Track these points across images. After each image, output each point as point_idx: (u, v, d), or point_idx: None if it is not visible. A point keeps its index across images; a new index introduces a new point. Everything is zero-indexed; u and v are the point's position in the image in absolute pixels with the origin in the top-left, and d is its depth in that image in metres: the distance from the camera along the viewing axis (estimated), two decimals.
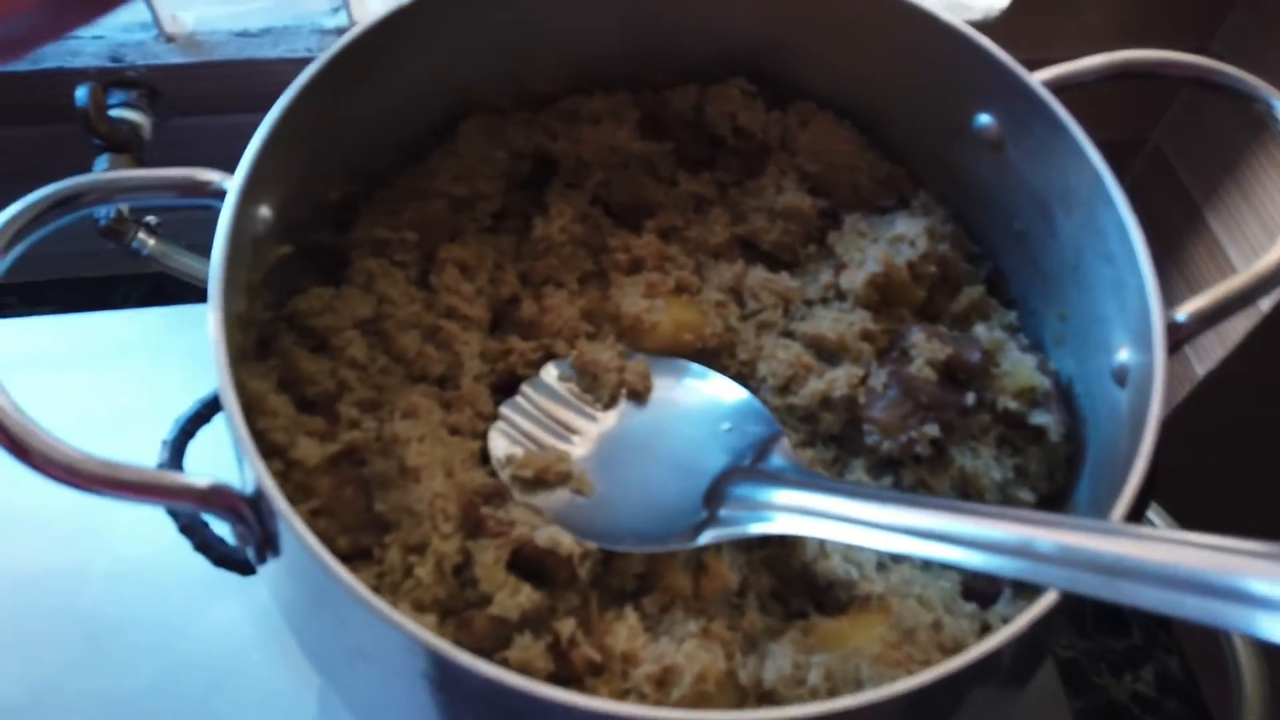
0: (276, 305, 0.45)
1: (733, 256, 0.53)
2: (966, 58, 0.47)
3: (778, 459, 0.43)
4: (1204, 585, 0.28)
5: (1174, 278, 0.84)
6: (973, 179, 0.51)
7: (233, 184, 0.38)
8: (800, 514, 0.39)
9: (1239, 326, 0.77)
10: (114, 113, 0.66)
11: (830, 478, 0.43)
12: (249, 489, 0.33)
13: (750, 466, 0.43)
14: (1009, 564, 0.32)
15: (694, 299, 0.51)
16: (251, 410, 0.42)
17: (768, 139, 0.55)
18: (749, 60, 0.55)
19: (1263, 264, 0.39)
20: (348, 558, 0.41)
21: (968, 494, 0.47)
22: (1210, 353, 0.81)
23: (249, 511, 0.33)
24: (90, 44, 0.68)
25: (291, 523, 0.31)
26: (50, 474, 0.31)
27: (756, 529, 0.40)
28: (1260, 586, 0.28)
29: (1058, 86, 0.46)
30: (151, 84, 0.67)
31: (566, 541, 0.39)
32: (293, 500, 0.41)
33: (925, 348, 0.46)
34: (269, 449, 0.42)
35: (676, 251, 0.52)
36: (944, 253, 0.51)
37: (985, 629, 0.43)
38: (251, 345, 0.43)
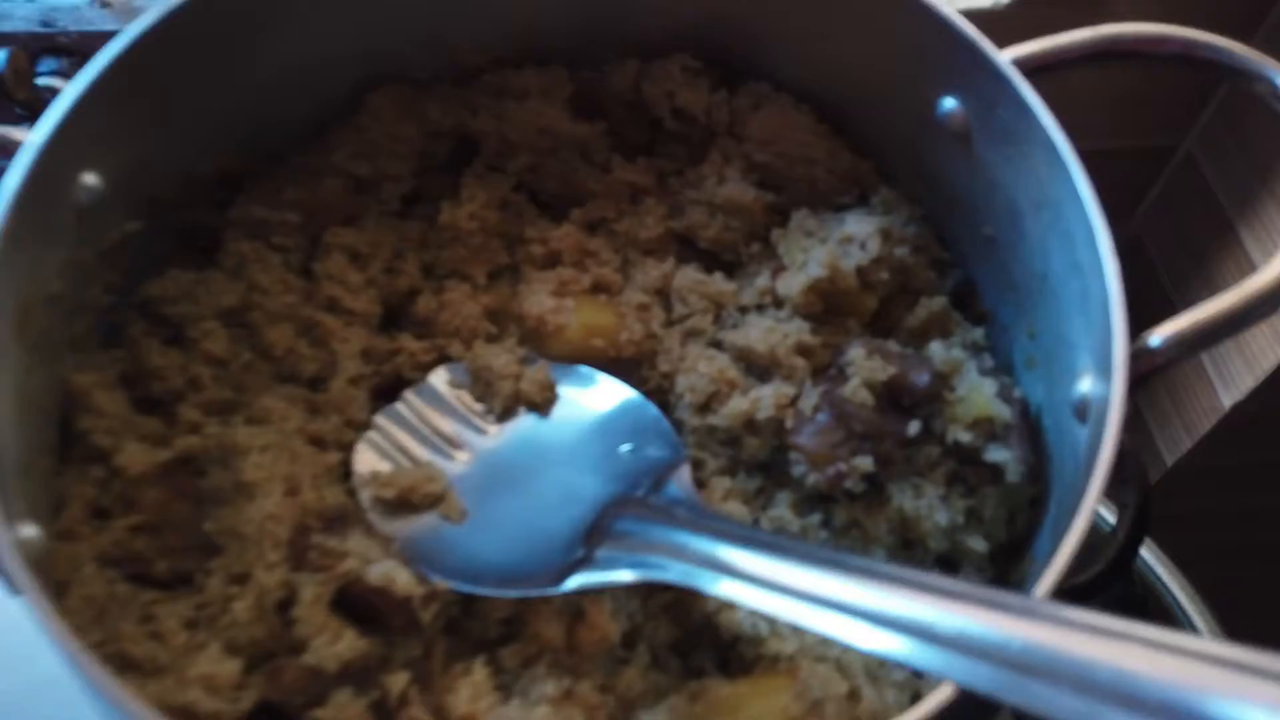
0: (126, 290, 0.40)
1: (665, 254, 0.47)
2: (931, 33, 0.40)
3: (675, 489, 0.37)
4: (1133, 697, 0.22)
5: (1201, 294, 0.76)
6: (942, 175, 0.44)
7: (27, 142, 0.33)
8: (677, 560, 0.32)
9: (1271, 354, 0.69)
10: (42, 81, 0.62)
11: (720, 517, 0.37)
12: None
13: (642, 497, 0.37)
14: (900, 645, 0.26)
15: (612, 300, 0.45)
16: (75, 408, 0.37)
17: (713, 123, 0.48)
18: (705, 36, 0.49)
19: (1254, 283, 0.32)
20: (168, 584, 0.36)
21: (908, 539, 0.40)
22: (1239, 382, 0.72)
23: None
24: (21, 7, 0.64)
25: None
26: None
27: (628, 577, 0.34)
28: (1220, 707, 0.21)
29: (1033, 67, 0.39)
30: (84, 51, 0.63)
31: (403, 580, 0.34)
32: (112, 512, 0.36)
33: (863, 366, 0.40)
34: (92, 453, 0.37)
35: (600, 246, 0.46)
36: (902, 258, 0.44)
37: (917, 699, 0.36)
38: (84, 333, 0.38)
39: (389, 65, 0.47)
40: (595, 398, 0.42)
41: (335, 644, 0.32)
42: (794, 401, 0.41)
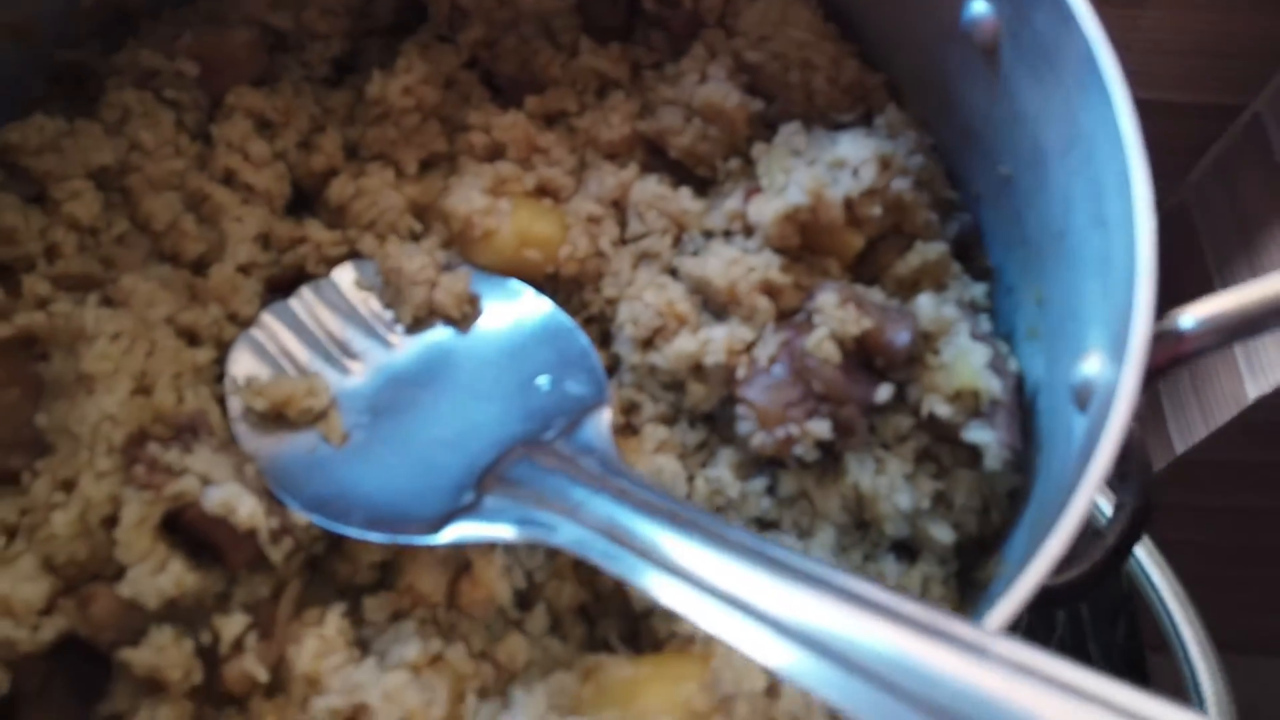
0: None
1: (628, 160, 0.40)
2: None
3: (589, 434, 0.31)
4: None
5: (1245, 274, 0.69)
6: (959, 98, 0.37)
7: None
8: (569, 521, 0.27)
9: None
10: None
11: (631, 475, 0.30)
12: None
13: (550, 441, 0.31)
14: (805, 666, 0.20)
15: (558, 207, 0.39)
16: None
17: (702, 10, 0.41)
18: None
19: None
20: None
21: (862, 520, 0.35)
22: (1269, 372, 0.66)
23: None
24: None
25: None
26: None
27: (508, 534, 0.28)
28: None
29: None
30: None
31: (246, 510, 0.28)
32: None
33: (833, 316, 0.34)
34: None
35: (554, 142, 0.40)
36: (900, 193, 0.37)
37: None
38: None
39: None
40: (520, 317, 0.36)
41: (158, 574, 0.27)
42: (750, 348, 0.35)
